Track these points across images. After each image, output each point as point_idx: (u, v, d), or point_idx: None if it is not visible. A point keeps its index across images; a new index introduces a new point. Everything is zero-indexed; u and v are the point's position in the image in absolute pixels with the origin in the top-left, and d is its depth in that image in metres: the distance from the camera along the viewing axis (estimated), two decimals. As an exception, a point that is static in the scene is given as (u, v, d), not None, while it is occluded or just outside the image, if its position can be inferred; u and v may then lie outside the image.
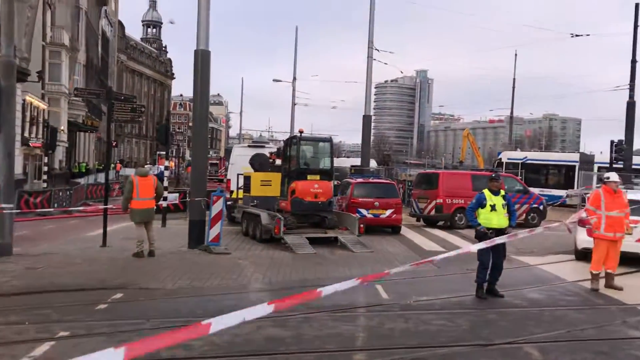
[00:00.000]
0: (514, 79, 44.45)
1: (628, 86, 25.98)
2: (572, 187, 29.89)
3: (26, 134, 29.80)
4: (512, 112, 48.29)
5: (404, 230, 17.31)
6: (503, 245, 8.69)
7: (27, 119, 30.70)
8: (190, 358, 5.48)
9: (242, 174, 17.04)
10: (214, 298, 8.30)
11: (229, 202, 17.00)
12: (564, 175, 32.90)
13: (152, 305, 7.81)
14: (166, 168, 19.50)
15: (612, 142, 26.26)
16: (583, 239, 11.65)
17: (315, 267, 10.87)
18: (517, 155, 36.48)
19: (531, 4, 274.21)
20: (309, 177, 13.96)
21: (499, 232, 8.73)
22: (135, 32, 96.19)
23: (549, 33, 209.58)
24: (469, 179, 19.53)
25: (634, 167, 26.23)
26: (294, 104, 42.93)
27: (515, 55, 45.02)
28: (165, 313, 7.33)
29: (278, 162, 15.95)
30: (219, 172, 50.31)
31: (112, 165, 46.94)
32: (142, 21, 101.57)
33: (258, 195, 15.63)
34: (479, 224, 8.82)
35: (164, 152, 24.39)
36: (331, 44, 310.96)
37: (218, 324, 2.72)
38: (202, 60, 12.71)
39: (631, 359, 6.06)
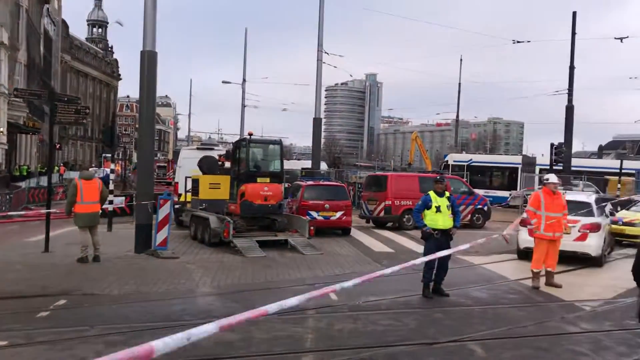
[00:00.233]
0: (460, 83, 45.53)
1: (567, 91, 27.04)
2: (515, 189, 30.89)
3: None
4: (457, 116, 49.39)
5: (354, 232, 17.49)
6: (448, 245, 8.91)
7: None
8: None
9: (190, 177, 16.83)
10: (162, 303, 8.18)
11: (176, 206, 16.77)
12: (508, 177, 33.95)
13: (97, 312, 7.63)
14: (112, 171, 19.02)
15: (552, 144, 27.30)
16: (524, 239, 12.08)
17: (265, 270, 10.85)
18: (463, 157, 37.39)
19: (477, 11, 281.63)
20: (258, 179, 13.92)
21: (444, 232, 8.98)
22: (80, 31, 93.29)
23: (494, 39, 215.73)
24: (417, 181, 19.90)
25: (573, 168, 27.33)
26: (243, 106, 42.69)
27: (461, 60, 46.13)
28: (111, 319, 7.17)
29: (227, 164, 15.84)
30: (167, 174, 49.45)
31: (56, 168, 45.49)
32: (87, 21, 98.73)
33: (207, 199, 15.47)
34: (425, 225, 9.02)
35: (110, 155, 23.86)
36: (282, 47, 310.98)
37: (162, 346, 2.66)
38: (148, 62, 12.53)
39: (569, 354, 6.30)
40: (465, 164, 34.95)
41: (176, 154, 32.40)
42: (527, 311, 8.37)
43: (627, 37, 28.77)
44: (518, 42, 30.36)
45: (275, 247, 13.52)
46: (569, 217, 10.75)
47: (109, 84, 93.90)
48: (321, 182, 18.70)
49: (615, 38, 28.75)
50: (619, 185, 26.70)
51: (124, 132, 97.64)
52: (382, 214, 19.37)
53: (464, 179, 25.66)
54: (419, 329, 7.13)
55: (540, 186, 12.51)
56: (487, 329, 7.16)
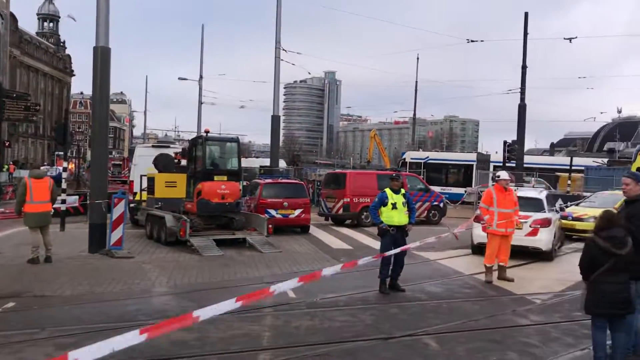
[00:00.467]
0: (417, 82, 46.15)
1: (519, 90, 27.71)
2: (470, 185, 31.48)
3: None
4: (414, 114, 50.10)
5: (313, 230, 17.54)
6: (404, 241, 9.06)
7: None
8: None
9: (145, 175, 16.56)
10: (116, 304, 8.04)
11: (132, 204, 16.48)
12: (463, 174, 34.58)
13: (48, 314, 7.43)
14: (65, 169, 18.54)
15: (505, 142, 27.94)
16: (478, 234, 12.35)
17: (222, 269, 10.78)
18: (420, 155, 37.90)
19: (433, 12, 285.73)
20: (215, 178, 13.80)
21: (400, 229, 9.11)
22: (30, 25, 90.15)
23: (450, 39, 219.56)
24: (375, 178, 20.10)
25: (525, 165, 28.05)
26: (200, 103, 42.23)
27: (418, 59, 46.65)
28: (63, 321, 7.00)
29: (183, 162, 15.64)
30: (122, 173, 48.52)
31: (5, 166, 44.03)
32: (38, 14, 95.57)
33: (162, 197, 15.24)
34: (382, 222, 9.14)
35: (62, 153, 23.20)
36: (240, 44, 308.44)
37: (82, 356, 2.58)
38: (101, 58, 12.29)
39: (519, 345, 6.49)
40: (422, 161, 35.45)
41: (131, 151, 31.83)
42: (480, 305, 8.57)
43: (576, 37, 29.82)
44: (472, 41, 30.97)
45: (233, 245, 13.44)
46: (521, 213, 11.05)
47: (61, 80, 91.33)
48: (280, 180, 18.66)
49: (564, 38, 29.70)
50: (569, 182, 27.56)
51: (78, 129, 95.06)
52: (340, 211, 19.48)
53: (421, 177, 26.02)
54: (375, 325, 7.22)
55: (493, 183, 12.81)
56: (441, 322, 7.31)
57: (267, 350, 6.06)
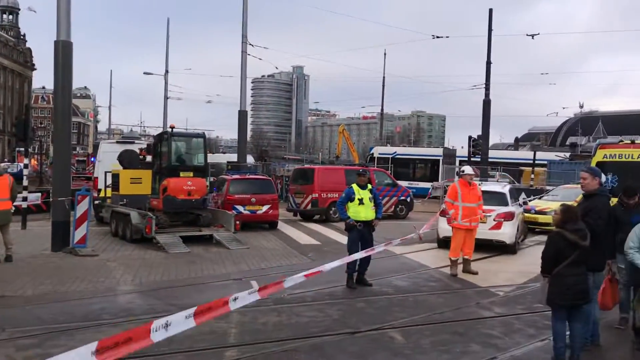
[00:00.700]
0: (384, 77, 46.34)
1: (484, 85, 28.09)
2: (437, 180, 31.87)
3: None
4: (382, 109, 50.33)
5: (281, 225, 17.53)
6: (371, 236, 9.14)
7: None
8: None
9: (110, 172, 16.30)
10: (80, 303, 7.91)
11: (96, 201, 16.20)
12: (430, 169, 35.00)
13: (8, 314, 7.26)
14: (26, 166, 18.10)
15: (470, 137, 28.35)
16: (444, 228, 12.53)
17: (189, 266, 10.70)
18: (388, 150, 38.19)
19: (398, 8, 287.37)
20: (181, 174, 13.67)
21: (367, 224, 9.18)
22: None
23: (416, 35, 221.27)
24: (343, 174, 20.17)
25: (490, 160, 28.48)
26: (166, 98, 41.56)
27: (385, 54, 46.84)
28: (25, 322, 6.85)
29: (149, 158, 15.44)
30: (86, 169, 47.59)
31: (-37, 163, 42.68)
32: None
33: (128, 194, 15.04)
34: (348, 217, 9.20)
35: (24, 149, 22.57)
36: (206, 38, 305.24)
37: None
38: (63, 52, 12.04)
39: (483, 337, 6.62)
40: (390, 156, 35.73)
41: (96, 147, 31.21)
42: (445, 298, 8.71)
43: (538, 34, 30.38)
44: (437, 37, 31.28)
45: (200, 242, 13.34)
46: (485, 207, 11.25)
47: (21, 74, 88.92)
48: (247, 176, 18.60)
49: (527, 35, 30.14)
50: (532, 176, 28.11)
51: (40, 124, 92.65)
52: (309, 206, 19.51)
53: (389, 172, 26.22)
54: (342, 319, 7.27)
55: (457, 178, 13.00)
56: (407, 316, 7.41)
57: (234, 347, 6.06)
